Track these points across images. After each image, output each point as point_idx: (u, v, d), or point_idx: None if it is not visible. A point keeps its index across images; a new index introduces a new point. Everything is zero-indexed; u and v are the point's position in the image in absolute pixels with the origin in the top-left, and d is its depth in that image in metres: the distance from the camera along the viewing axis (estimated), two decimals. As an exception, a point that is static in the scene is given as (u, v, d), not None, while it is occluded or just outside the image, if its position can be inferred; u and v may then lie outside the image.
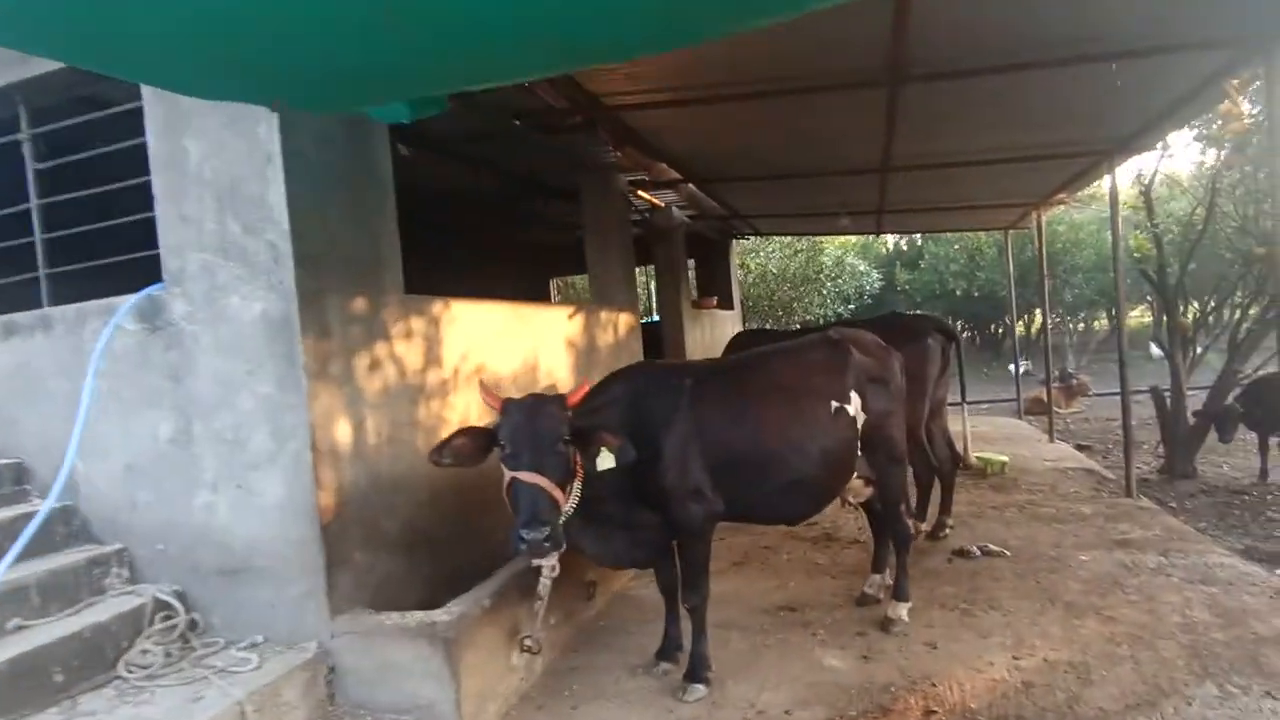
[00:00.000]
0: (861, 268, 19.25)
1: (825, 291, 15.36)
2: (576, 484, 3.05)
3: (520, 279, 13.39)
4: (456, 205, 9.65)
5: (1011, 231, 11.87)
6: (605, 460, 2.97)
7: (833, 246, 15.87)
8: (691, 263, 13.67)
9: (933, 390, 5.25)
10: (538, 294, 14.04)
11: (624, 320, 7.02)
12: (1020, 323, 22.21)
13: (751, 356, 3.70)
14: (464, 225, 11.13)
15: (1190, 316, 8.65)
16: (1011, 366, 14.07)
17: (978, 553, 4.97)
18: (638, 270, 15.41)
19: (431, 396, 3.92)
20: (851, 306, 18.75)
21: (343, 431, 3.26)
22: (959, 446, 5.58)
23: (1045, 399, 11.47)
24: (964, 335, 31.04)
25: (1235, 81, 4.42)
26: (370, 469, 3.41)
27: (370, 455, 3.42)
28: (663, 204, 9.32)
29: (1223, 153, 7.34)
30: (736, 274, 13.25)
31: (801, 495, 3.46)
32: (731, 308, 12.73)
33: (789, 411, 3.43)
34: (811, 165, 7.44)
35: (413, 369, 3.80)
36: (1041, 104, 5.43)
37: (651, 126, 6.15)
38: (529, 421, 2.84)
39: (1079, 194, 11.01)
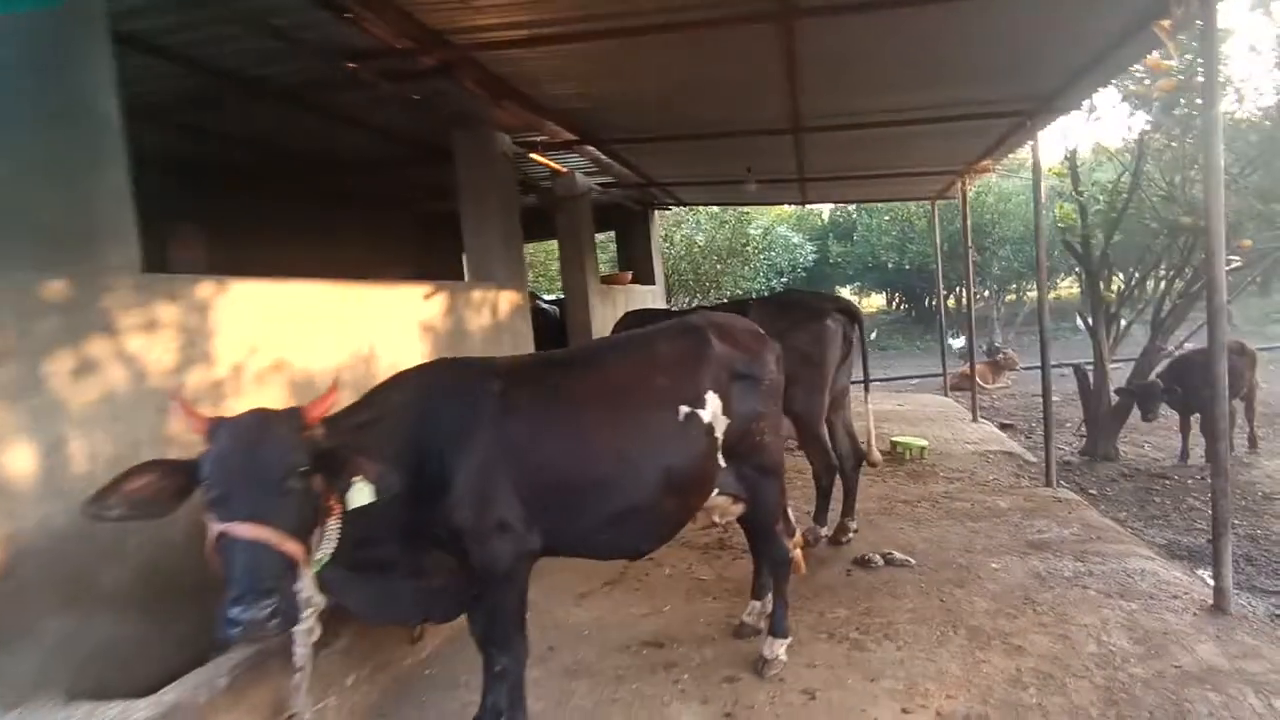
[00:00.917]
0: (794, 240, 18.79)
1: (755, 264, 14.77)
2: (332, 525, 2.31)
3: (426, 251, 12.46)
4: (343, 171, 8.69)
5: (940, 202, 11.45)
6: (360, 494, 2.22)
7: (763, 218, 15.27)
8: (611, 235, 12.95)
9: (833, 378, 4.63)
10: (448, 267, 13.06)
11: (506, 300, 6.23)
12: (952, 296, 22.16)
13: (584, 350, 2.99)
14: (355, 193, 10.14)
15: (1115, 289, 8.29)
16: (950, 341, 13.82)
17: (880, 562, 4.41)
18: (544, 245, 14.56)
19: (194, 403, 3.10)
20: (784, 279, 18.30)
21: (20, 460, 2.43)
22: (864, 440, 4.98)
23: (970, 375, 11.17)
24: (899, 308, 30.98)
25: (1167, 23, 3.83)
26: (78, 505, 2.58)
27: (79, 488, 2.59)
28: (564, 170, 8.51)
29: (1150, 114, 6.88)
30: (659, 247, 12.52)
31: (639, 525, 2.78)
32: (652, 283, 12.03)
33: (622, 420, 2.73)
34: (718, 124, 6.73)
35: (160, 370, 2.97)
36: (952, 53, 4.81)
37: (525, 74, 5.33)
38: (244, 450, 2.06)
39: (1006, 162, 10.60)
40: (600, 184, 9.78)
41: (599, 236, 14.67)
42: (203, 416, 2.14)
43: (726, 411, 2.98)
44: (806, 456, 4.74)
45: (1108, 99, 7.19)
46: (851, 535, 4.79)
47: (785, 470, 3.33)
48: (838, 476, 4.82)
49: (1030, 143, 6.70)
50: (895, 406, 10.52)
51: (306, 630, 2.38)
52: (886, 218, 19.30)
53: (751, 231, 14.05)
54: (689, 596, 4.17)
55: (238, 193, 8.57)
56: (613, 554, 2.99)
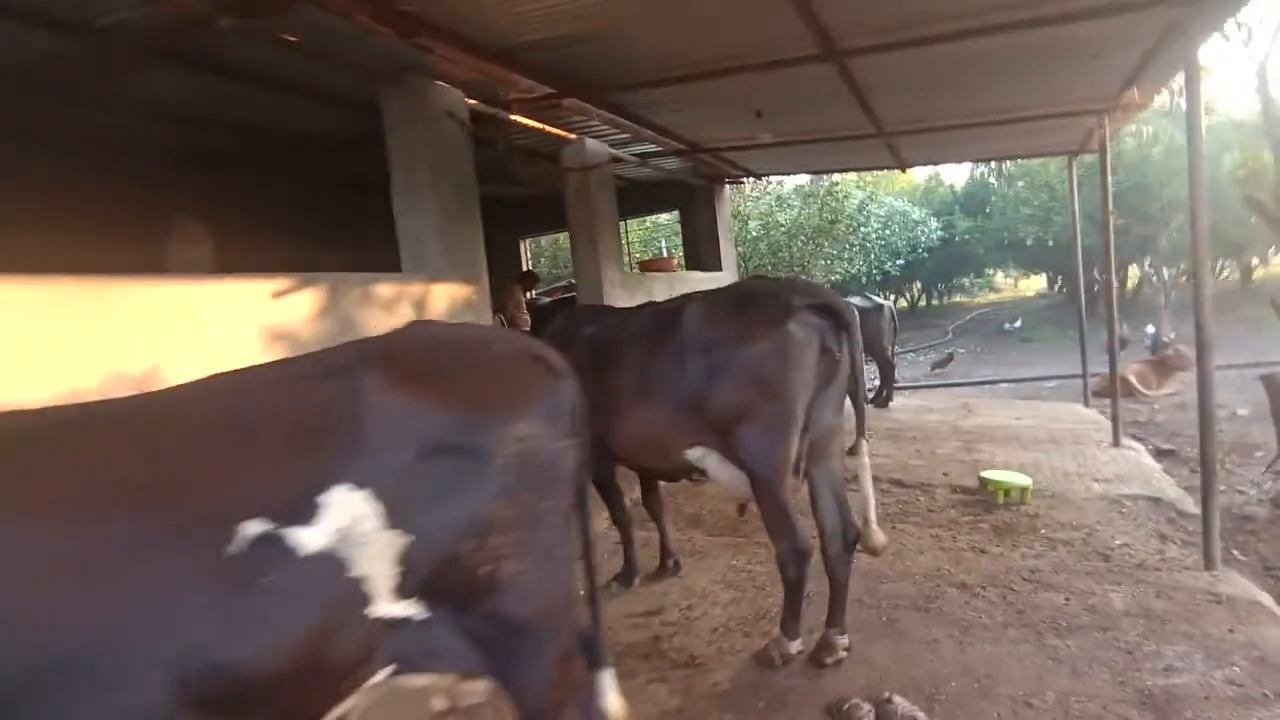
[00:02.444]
0: (915, 216, 16.33)
1: (853, 244, 12.68)
2: None
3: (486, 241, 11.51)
4: (340, 153, 7.83)
5: (1086, 159, 9.00)
6: None
7: (866, 189, 13.11)
8: (673, 216, 11.45)
9: (804, 412, 2.94)
10: (506, 259, 12.12)
11: (442, 296, 4.98)
12: (1130, 276, 18.59)
13: (99, 408, 1.58)
14: (359, 175, 9.28)
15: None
16: (1148, 330, 11.17)
17: (868, 714, 2.72)
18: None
19: None
20: (901, 262, 15.95)
21: None
22: (863, 504, 3.21)
23: (1125, 379, 8.74)
24: (1059, 291, 26.71)
25: None
26: None
27: None
28: (573, 136, 7.13)
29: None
30: (729, 227, 10.83)
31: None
32: (718, 269, 10.39)
33: (111, 552, 1.33)
34: (723, 58, 5.08)
35: None
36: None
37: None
38: None
39: (1177, 104, 8.07)
40: (636, 154, 8.33)
41: (664, 218, 13.23)
42: None
43: (398, 520, 1.50)
44: (768, 533, 3.08)
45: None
46: (842, 655, 3.09)
47: (569, 627, 1.79)
48: (801, 566, 3.09)
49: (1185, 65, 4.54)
50: (1012, 420, 8.29)
51: None
52: (1021, 183, 16.11)
53: (848, 205, 11.93)
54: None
55: (245, 184, 7.92)
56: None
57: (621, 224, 13.61)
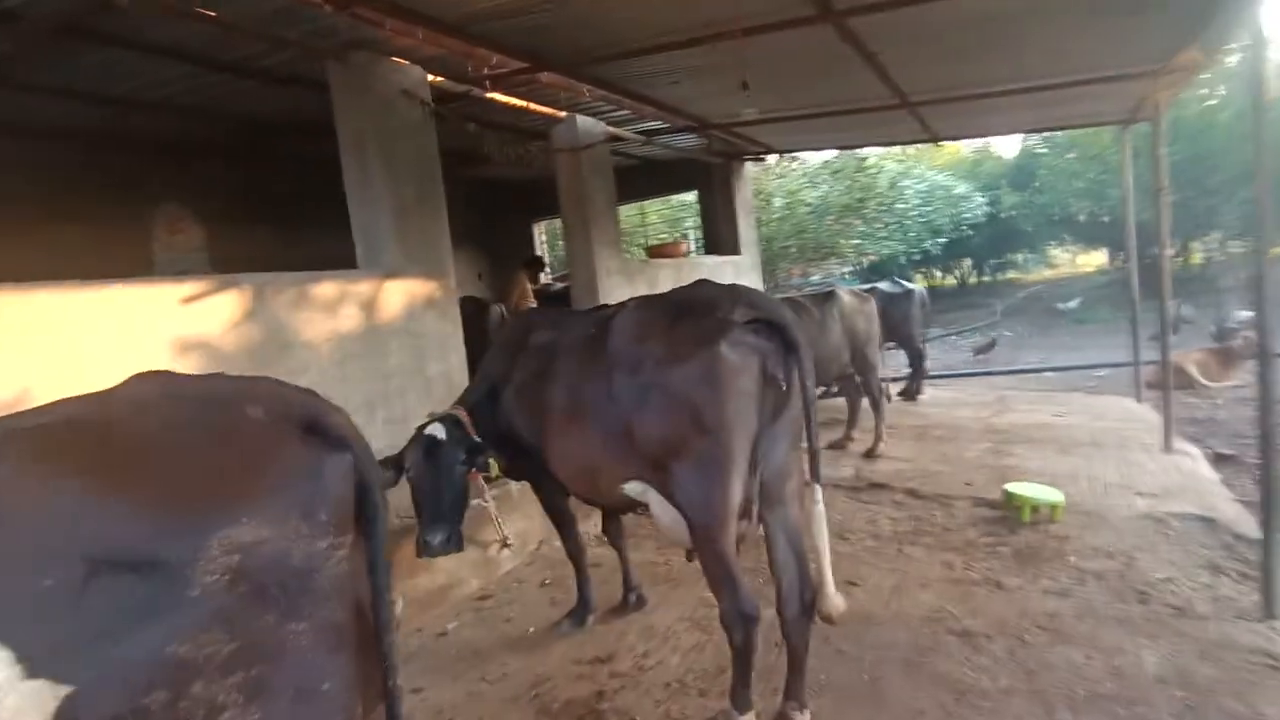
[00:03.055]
0: (959, 190, 15.35)
1: (889, 223, 11.89)
2: None
3: (488, 226, 11.17)
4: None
5: (1139, 128, 8.09)
6: None
7: (898, 162, 12.26)
8: (693, 196, 10.87)
9: (748, 449, 2.42)
10: (517, 243, 11.71)
11: (399, 293, 4.57)
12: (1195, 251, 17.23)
13: None
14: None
15: None
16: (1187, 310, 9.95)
17: (822, 822, 2.23)
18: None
19: None
20: (943, 240, 15.03)
21: None
22: (818, 562, 2.63)
23: (1184, 368, 7.94)
24: (1123, 265, 24.99)
25: None
26: None
27: None
28: (564, 114, 6.63)
29: None
30: (749, 207, 10.19)
31: None
32: (736, 252, 9.80)
33: None
34: (701, 17, 4.50)
35: None
36: None
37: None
38: None
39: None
40: (641, 131, 7.79)
41: (689, 197, 12.60)
42: None
43: (46, 668, 1.07)
44: (709, 588, 2.58)
45: None
46: (802, 729, 2.60)
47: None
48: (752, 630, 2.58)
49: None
50: (1051, 418, 7.56)
51: None
52: (1071, 154, 14.89)
53: (878, 181, 11.12)
54: None
55: (237, 173, 7.67)
56: None
57: (640, 205, 13.12)
